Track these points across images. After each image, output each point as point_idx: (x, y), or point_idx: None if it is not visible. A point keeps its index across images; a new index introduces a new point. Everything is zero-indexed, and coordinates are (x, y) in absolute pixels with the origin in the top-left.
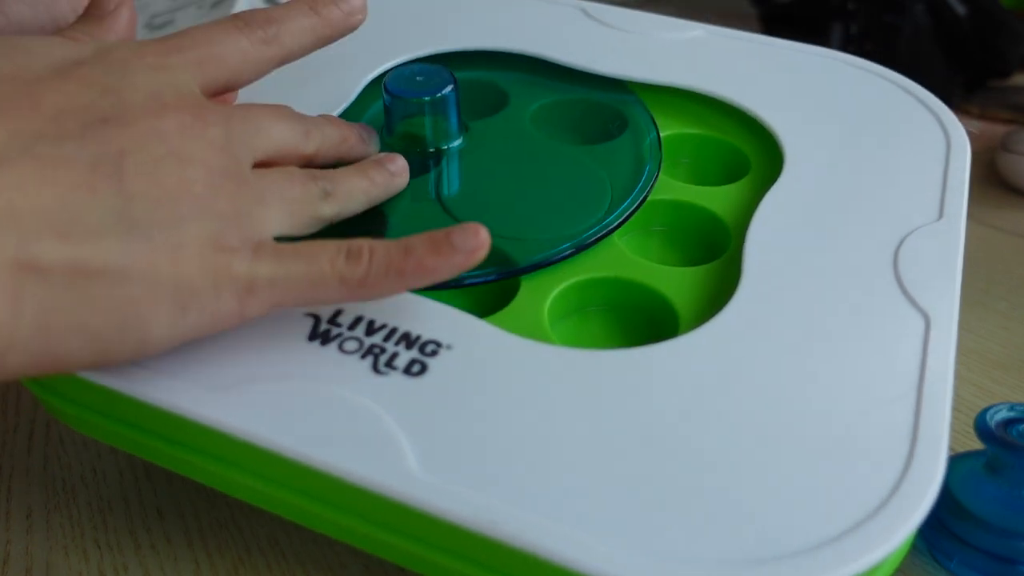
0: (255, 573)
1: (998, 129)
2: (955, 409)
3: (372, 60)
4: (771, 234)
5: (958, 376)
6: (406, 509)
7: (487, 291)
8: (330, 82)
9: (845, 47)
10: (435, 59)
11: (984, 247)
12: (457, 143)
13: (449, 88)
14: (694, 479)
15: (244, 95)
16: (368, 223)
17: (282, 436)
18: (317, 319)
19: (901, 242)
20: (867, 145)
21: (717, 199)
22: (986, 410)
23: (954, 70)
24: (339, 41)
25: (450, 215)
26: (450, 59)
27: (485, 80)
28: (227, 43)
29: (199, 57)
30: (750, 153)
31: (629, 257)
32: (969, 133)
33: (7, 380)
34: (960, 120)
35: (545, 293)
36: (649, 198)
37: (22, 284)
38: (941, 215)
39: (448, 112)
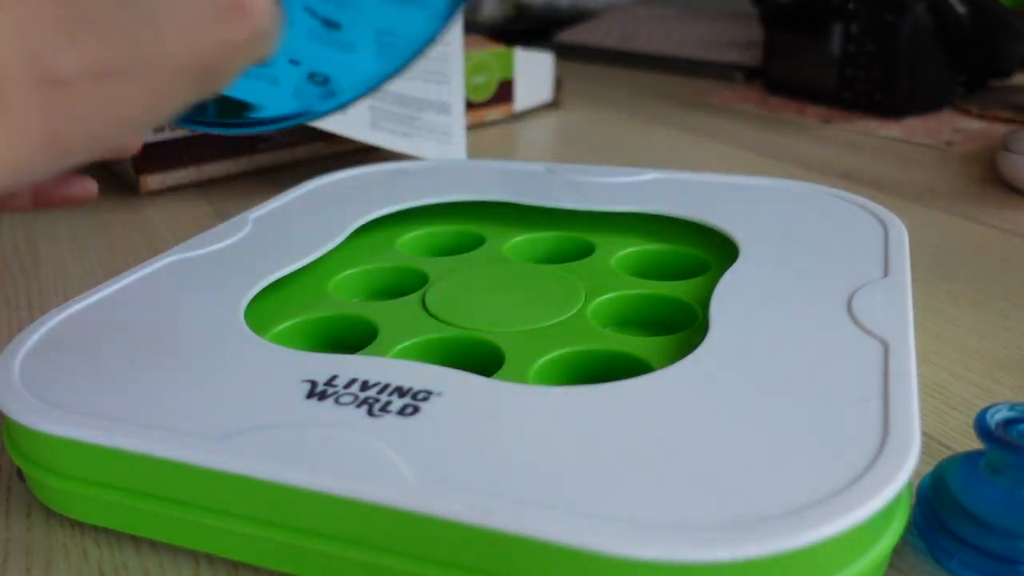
0: (255, 573)
1: (998, 129)
2: (955, 409)
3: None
4: (733, 297)
5: (958, 376)
6: (406, 517)
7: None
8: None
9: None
10: (426, 210)
11: (984, 247)
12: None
13: None
14: (682, 464)
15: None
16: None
17: (280, 470)
18: (314, 383)
19: (852, 293)
20: (812, 235)
21: (681, 289)
22: (986, 410)
23: (954, 70)
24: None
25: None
26: (444, 209)
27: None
28: None
29: None
30: (709, 258)
31: (606, 333)
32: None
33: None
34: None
35: (526, 367)
36: (621, 294)
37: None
38: (887, 274)
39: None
